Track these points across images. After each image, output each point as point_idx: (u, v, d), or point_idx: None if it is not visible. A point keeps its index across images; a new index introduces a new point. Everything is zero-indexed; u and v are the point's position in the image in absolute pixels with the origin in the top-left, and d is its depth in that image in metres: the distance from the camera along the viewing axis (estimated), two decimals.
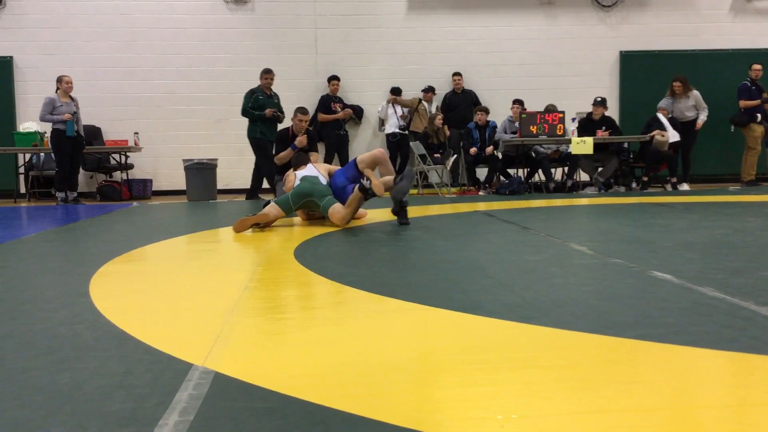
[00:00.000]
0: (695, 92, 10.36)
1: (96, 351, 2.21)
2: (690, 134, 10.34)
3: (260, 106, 9.57)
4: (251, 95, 9.69)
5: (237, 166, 11.34)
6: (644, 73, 11.90)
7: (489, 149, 10.37)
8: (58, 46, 11.38)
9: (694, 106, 10.32)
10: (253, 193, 9.93)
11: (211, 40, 11.47)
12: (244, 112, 9.65)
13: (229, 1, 11.57)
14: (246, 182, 10.14)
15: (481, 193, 10.37)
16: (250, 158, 9.89)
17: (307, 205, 6.04)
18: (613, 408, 1.63)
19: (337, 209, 5.82)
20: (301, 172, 6.32)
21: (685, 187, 10.22)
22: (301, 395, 1.75)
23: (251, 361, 2.10)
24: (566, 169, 10.56)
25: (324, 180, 6.19)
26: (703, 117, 10.33)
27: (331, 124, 10.98)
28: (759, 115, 10.36)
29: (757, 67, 10.64)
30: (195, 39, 11.53)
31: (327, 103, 11.07)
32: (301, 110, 7.86)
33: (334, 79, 11.21)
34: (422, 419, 1.59)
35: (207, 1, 11.57)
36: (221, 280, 3.56)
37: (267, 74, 9.78)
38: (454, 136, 11.13)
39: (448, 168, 10.62)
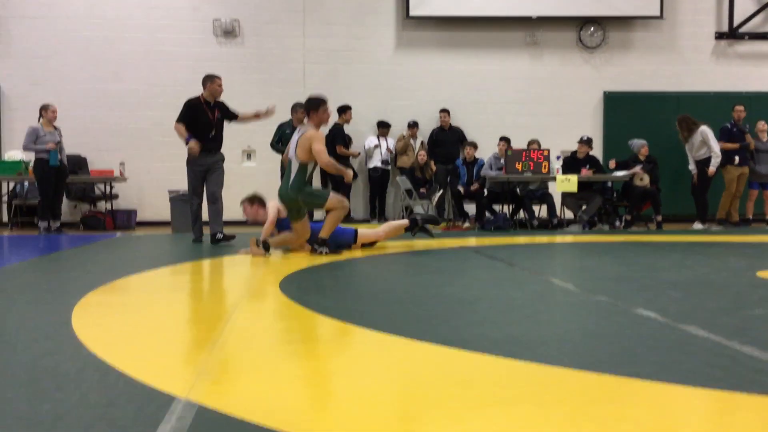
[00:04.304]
0: (702, 128, 10.20)
1: (78, 382, 2.18)
2: (702, 175, 10.25)
3: (287, 141, 9.53)
4: (279, 129, 9.66)
5: (222, 199, 11.30)
6: (627, 114, 12.07)
7: (474, 186, 10.44)
8: (46, 75, 11.39)
9: (704, 142, 10.28)
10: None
11: (199, 72, 11.40)
12: (271, 146, 9.62)
13: (218, 35, 11.66)
14: (231, 214, 10.10)
15: (466, 225, 10.41)
16: (234, 191, 9.84)
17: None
18: None
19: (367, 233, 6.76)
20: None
21: (698, 226, 10.24)
22: (287, 429, 1.73)
23: (235, 394, 2.07)
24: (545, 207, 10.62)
25: None
26: (714, 161, 10.09)
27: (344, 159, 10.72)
28: (737, 158, 10.41)
29: (739, 108, 10.78)
30: (184, 71, 11.57)
31: (343, 134, 10.87)
32: (218, 76, 7.83)
33: (347, 109, 10.94)
34: None
35: (196, 34, 11.65)
36: (206, 312, 3.53)
37: (295, 111, 9.69)
38: (441, 172, 11.19)
39: (434, 203, 10.67)
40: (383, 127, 11.46)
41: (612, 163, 10.53)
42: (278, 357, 2.54)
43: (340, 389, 2.11)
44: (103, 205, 11.09)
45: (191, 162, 7.71)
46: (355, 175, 7.70)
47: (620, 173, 10.27)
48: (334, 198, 6.35)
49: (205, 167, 7.71)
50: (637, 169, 10.23)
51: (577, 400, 1.96)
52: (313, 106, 6.34)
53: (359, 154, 11.37)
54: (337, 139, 10.77)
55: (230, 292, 4.29)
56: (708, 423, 1.87)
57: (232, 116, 7.95)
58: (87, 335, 2.86)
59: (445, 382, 2.15)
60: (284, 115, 10.21)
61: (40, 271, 5.41)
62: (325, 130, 10.78)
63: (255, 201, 6.85)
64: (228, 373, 2.30)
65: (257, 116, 8.08)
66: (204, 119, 7.68)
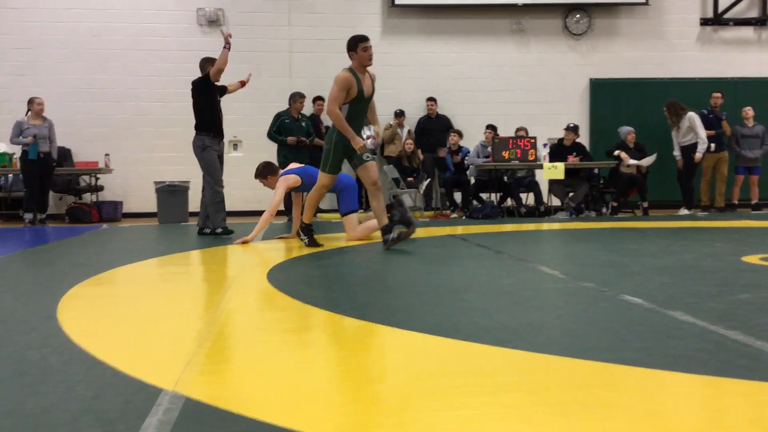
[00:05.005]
0: (690, 114, 10.25)
1: (64, 375, 2.16)
2: (688, 162, 10.30)
3: (286, 131, 9.46)
4: (277, 119, 9.57)
5: None
6: (614, 100, 12.10)
7: (456, 158, 10.46)
8: (31, 66, 11.27)
9: (690, 128, 10.33)
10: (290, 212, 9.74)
11: (185, 62, 11.43)
12: (269, 136, 9.56)
13: (203, 24, 11.57)
14: None
15: (453, 216, 10.42)
16: None
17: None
18: (589, 431, 1.63)
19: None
20: (292, 174, 6.72)
21: (684, 212, 10.30)
22: (276, 421, 1.73)
23: (223, 385, 2.07)
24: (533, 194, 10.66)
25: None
26: (700, 148, 10.17)
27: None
28: (713, 145, 10.43)
29: (717, 95, 10.83)
30: (169, 61, 11.49)
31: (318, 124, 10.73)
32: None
33: (319, 99, 10.87)
34: None
35: (182, 24, 11.56)
36: (193, 303, 3.52)
37: (294, 101, 9.63)
38: (428, 160, 11.19)
39: (422, 192, 10.67)
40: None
41: (624, 156, 10.39)
42: (266, 348, 2.53)
43: (329, 380, 2.11)
44: (88, 197, 11.02)
45: (209, 147, 7.31)
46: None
47: (633, 162, 10.22)
48: (329, 177, 5.90)
49: (219, 152, 7.49)
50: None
51: (566, 387, 1.97)
52: (351, 47, 5.84)
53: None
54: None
55: (217, 283, 4.27)
56: (695, 408, 1.88)
57: (224, 91, 7.80)
58: (73, 328, 2.84)
59: (435, 371, 2.15)
60: (275, 103, 10.18)
61: (25, 264, 5.37)
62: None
63: (266, 173, 6.85)
64: (215, 365, 2.29)
65: (242, 84, 7.95)
66: (215, 101, 7.51)
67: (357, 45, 5.78)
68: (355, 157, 5.90)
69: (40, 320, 3.03)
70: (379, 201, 5.86)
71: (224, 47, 7.22)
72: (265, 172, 6.87)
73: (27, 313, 3.25)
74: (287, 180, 6.68)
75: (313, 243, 5.99)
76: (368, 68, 5.96)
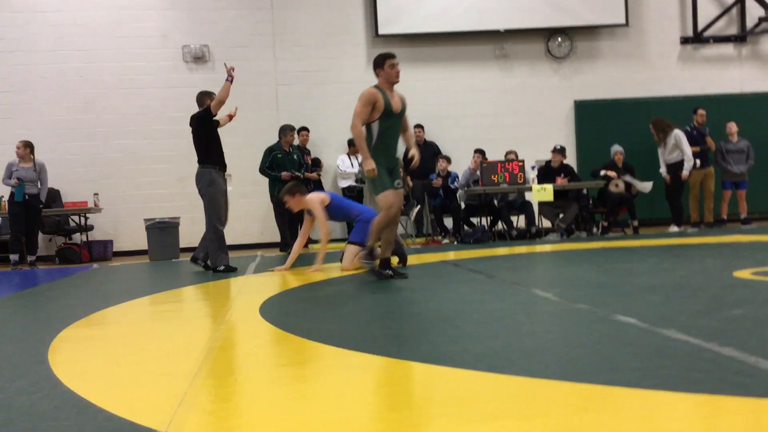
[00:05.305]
0: (675, 132, 10.29)
1: (54, 421, 2.13)
2: (675, 179, 10.34)
3: (278, 165, 9.45)
4: (269, 154, 9.56)
5: (200, 224, 11.19)
6: (599, 121, 12.20)
7: (437, 182, 10.47)
8: (18, 108, 11.29)
9: (676, 145, 10.40)
10: (285, 245, 9.59)
11: (171, 99, 11.49)
12: (261, 171, 9.55)
13: (188, 61, 11.63)
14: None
15: (445, 241, 10.42)
16: None
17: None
18: None
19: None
20: (322, 193, 6.96)
21: (674, 229, 10.32)
22: None
23: (217, 424, 2.04)
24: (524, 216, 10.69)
25: None
26: (687, 165, 10.21)
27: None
28: (698, 161, 10.51)
29: (701, 112, 10.93)
30: (155, 99, 11.54)
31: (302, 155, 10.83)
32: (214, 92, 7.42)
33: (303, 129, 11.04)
34: None
35: (167, 61, 11.62)
36: (185, 341, 3.49)
37: (285, 134, 9.64)
38: (417, 186, 11.21)
39: (412, 219, 10.68)
40: (354, 146, 11.45)
41: (612, 174, 10.42)
42: (260, 383, 2.51)
43: (322, 413, 2.09)
44: (78, 237, 10.97)
45: (215, 182, 7.17)
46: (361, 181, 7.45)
47: (628, 179, 10.28)
48: (388, 195, 5.54)
49: (224, 188, 7.34)
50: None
51: (560, 412, 1.96)
52: (377, 64, 5.72)
53: (319, 176, 11.22)
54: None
55: (209, 320, 4.25)
56: (692, 427, 1.87)
57: (217, 124, 7.72)
58: (64, 371, 2.81)
59: (427, 400, 2.14)
60: (263, 136, 10.15)
61: (15, 307, 5.32)
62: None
63: (295, 192, 6.86)
64: (208, 403, 2.26)
65: (230, 118, 7.92)
66: (217, 134, 7.41)
67: (384, 62, 5.71)
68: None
69: (31, 365, 2.99)
70: (392, 232, 5.71)
71: (227, 80, 7.25)
72: (295, 191, 6.86)
73: (17, 357, 3.21)
74: (318, 197, 6.82)
75: (370, 263, 5.66)
76: (398, 91, 5.85)
